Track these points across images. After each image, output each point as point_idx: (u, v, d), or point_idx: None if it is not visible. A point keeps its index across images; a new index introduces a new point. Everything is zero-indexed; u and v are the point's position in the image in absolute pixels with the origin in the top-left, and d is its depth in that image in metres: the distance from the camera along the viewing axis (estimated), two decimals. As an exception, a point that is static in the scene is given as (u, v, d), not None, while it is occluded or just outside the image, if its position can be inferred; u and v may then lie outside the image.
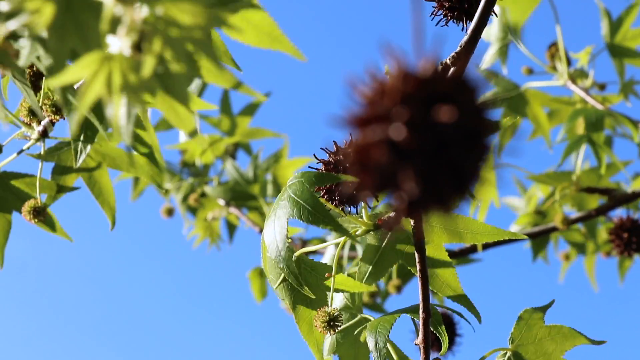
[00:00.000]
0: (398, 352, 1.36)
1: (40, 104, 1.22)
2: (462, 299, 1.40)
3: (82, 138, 1.25)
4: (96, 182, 1.44)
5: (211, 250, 2.73)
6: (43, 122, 1.33)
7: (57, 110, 1.22)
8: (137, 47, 0.69)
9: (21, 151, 1.38)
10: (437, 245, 1.36)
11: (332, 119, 0.55)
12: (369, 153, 0.53)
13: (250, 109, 2.58)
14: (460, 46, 1.04)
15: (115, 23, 0.69)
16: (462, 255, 2.17)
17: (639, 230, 2.13)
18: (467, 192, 0.54)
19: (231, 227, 2.69)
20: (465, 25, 1.24)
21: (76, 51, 0.70)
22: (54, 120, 1.29)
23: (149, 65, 0.67)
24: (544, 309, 1.41)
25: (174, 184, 2.60)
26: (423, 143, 0.51)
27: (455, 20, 1.28)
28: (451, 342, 1.93)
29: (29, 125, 1.36)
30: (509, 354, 1.43)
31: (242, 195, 2.51)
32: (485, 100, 0.53)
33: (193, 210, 2.67)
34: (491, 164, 0.55)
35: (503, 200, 2.27)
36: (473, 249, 2.23)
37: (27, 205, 1.39)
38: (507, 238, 1.24)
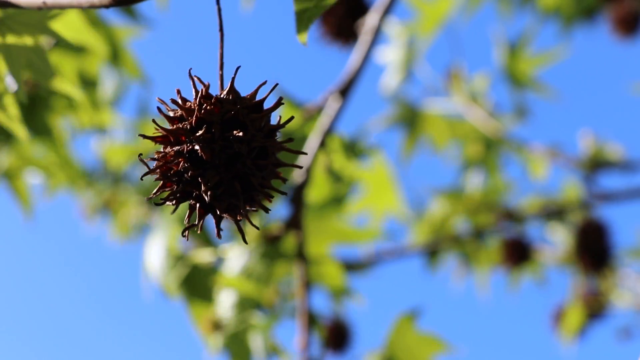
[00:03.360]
0: (279, 350, 1.48)
1: None
2: (345, 291, 1.52)
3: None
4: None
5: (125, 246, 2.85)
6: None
7: None
8: None
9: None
10: (320, 246, 1.49)
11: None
12: (172, 163, 0.61)
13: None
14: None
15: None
16: (359, 267, 2.27)
17: (524, 246, 2.29)
18: (256, 202, 0.61)
19: (144, 226, 2.81)
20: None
21: None
22: None
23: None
24: (415, 317, 1.52)
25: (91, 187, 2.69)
26: (217, 156, 0.60)
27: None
28: (346, 347, 2.03)
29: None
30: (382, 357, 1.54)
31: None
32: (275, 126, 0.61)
33: (109, 211, 2.79)
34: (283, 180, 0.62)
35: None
36: (371, 262, 2.35)
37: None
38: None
